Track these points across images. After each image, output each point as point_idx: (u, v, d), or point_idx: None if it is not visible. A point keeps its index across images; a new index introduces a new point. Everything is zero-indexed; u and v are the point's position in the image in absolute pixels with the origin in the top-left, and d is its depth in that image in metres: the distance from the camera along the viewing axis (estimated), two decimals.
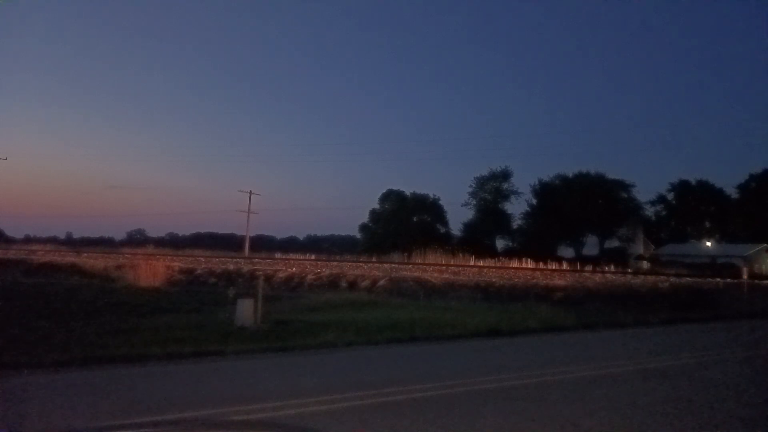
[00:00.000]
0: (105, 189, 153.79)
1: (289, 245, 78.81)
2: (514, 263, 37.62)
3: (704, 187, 65.63)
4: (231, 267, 36.04)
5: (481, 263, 37.86)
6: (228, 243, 73.52)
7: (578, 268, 35.59)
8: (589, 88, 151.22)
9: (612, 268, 34.12)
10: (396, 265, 34.79)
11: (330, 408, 6.32)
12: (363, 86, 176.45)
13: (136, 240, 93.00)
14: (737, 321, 18.70)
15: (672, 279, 28.30)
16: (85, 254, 46.84)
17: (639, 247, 59.93)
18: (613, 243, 59.70)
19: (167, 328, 13.05)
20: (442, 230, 64.53)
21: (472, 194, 64.19)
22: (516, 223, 63.46)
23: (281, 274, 32.28)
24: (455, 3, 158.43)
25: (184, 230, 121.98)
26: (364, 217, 66.85)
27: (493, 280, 28.06)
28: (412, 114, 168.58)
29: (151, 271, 31.42)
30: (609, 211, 57.90)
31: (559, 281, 27.44)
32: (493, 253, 49.31)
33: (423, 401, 6.78)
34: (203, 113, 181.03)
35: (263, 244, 70.24)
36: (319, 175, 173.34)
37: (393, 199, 64.64)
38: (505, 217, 62.95)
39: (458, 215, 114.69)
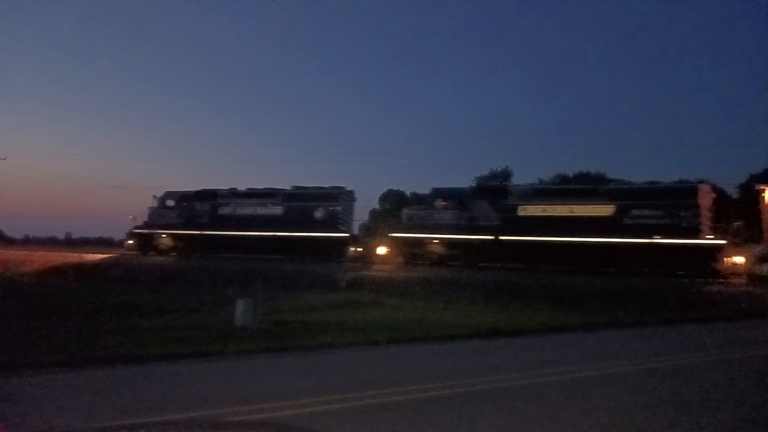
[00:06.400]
0: (105, 189, 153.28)
1: None
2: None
3: None
4: (231, 266, 36.00)
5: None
6: None
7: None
8: (589, 87, 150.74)
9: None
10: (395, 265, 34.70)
11: (329, 408, 6.32)
12: (362, 86, 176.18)
13: None
14: (737, 321, 18.67)
15: (672, 279, 28.24)
16: (85, 254, 46.81)
17: None
18: None
19: (167, 328, 13.04)
20: None
21: None
22: None
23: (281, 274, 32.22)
24: (454, 3, 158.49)
25: None
26: (364, 217, 66.92)
27: (494, 279, 28.03)
28: (411, 114, 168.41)
29: (151, 271, 31.40)
30: None
31: (559, 280, 27.41)
32: None
33: (423, 401, 6.78)
34: (202, 113, 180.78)
35: None
36: (319, 175, 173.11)
37: (393, 199, 64.56)
38: None
39: None
